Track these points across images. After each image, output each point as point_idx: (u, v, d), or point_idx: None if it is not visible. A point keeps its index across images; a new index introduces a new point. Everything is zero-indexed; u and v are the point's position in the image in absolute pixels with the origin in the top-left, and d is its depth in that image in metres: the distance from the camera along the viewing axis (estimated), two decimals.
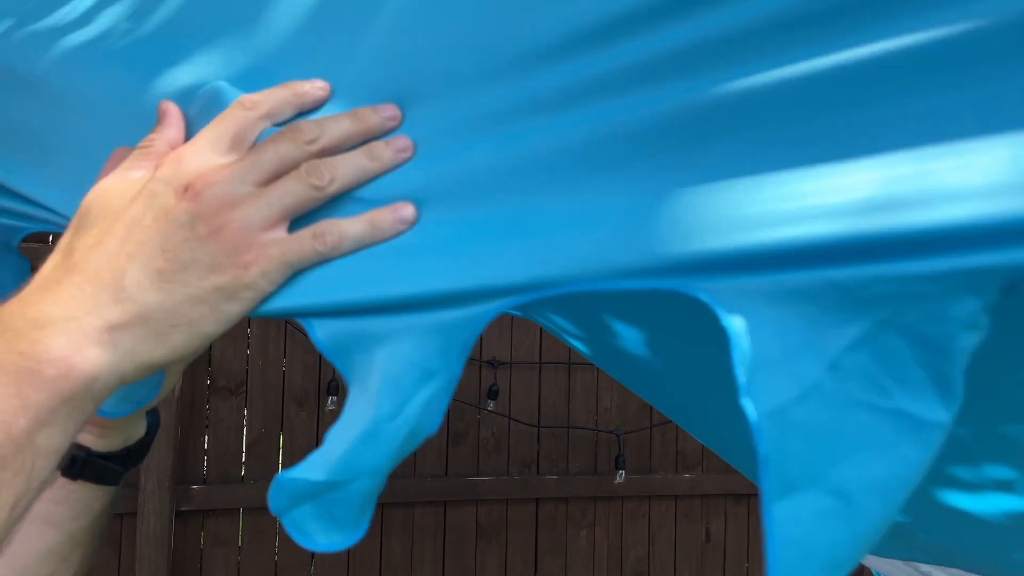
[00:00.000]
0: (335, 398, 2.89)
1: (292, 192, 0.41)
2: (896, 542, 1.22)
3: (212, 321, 0.41)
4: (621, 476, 3.21)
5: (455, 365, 0.40)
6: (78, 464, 0.59)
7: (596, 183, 0.34)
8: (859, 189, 0.28)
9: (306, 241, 0.42)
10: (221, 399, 2.84)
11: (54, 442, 0.38)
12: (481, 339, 3.11)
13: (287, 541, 2.92)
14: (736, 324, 0.28)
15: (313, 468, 0.41)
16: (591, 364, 3.20)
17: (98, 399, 0.39)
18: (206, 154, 0.42)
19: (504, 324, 3.15)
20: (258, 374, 2.89)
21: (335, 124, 0.43)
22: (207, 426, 2.83)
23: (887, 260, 0.26)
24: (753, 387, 0.29)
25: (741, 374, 0.28)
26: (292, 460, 2.90)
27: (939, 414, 0.28)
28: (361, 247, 0.42)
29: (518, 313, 1.41)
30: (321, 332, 0.44)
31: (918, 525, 0.97)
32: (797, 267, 0.28)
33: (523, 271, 0.35)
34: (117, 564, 2.69)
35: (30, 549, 0.57)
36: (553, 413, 3.21)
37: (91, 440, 0.60)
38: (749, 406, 0.29)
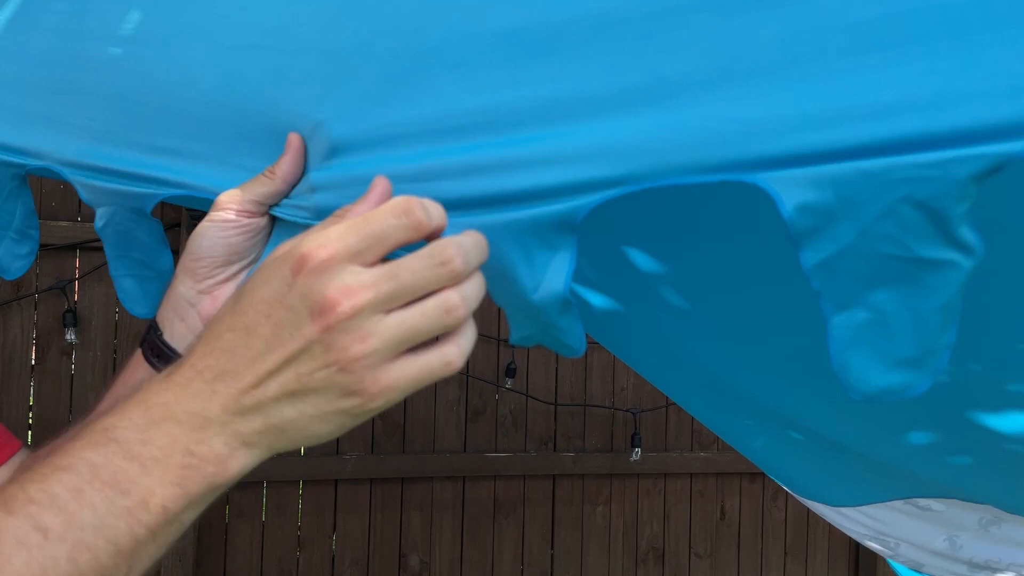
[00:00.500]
0: None
1: (424, 329, 0.43)
2: (900, 481, 1.27)
3: (335, 431, 0.46)
4: (637, 454, 3.25)
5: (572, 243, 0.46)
6: None
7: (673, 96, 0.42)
8: (884, 93, 0.37)
9: (433, 363, 0.44)
10: None
11: (194, 516, 0.45)
12: (499, 317, 3.15)
13: (309, 513, 3.00)
14: (787, 202, 0.38)
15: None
16: None
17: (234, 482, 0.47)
18: (343, 270, 0.42)
19: None
20: None
21: (476, 250, 0.45)
22: None
23: (904, 154, 0.36)
24: (804, 246, 0.39)
25: (795, 237, 0.39)
26: None
27: (950, 255, 0.37)
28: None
29: None
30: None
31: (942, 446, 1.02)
32: (835, 161, 0.38)
33: (618, 167, 0.42)
34: None
35: None
36: (570, 391, 3.26)
37: None
38: (806, 258, 0.39)
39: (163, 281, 0.71)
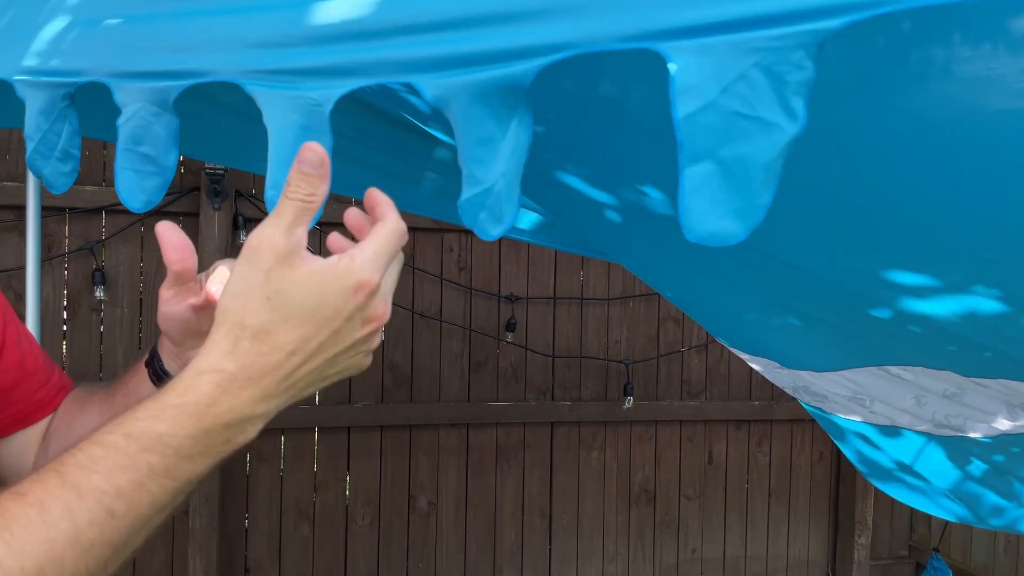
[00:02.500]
0: None
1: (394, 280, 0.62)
2: (873, 349, 1.46)
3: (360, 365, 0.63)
4: (629, 402, 3.46)
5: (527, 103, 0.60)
6: None
7: None
8: None
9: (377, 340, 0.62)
10: None
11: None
12: (499, 275, 3.34)
13: (324, 459, 3.21)
14: (673, 65, 0.53)
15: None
16: (603, 298, 3.44)
17: None
18: (382, 290, 0.59)
19: (521, 261, 3.37)
20: None
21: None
22: None
23: (755, 29, 0.50)
24: (677, 101, 0.52)
25: (673, 94, 0.52)
26: (328, 387, 3.16)
27: (778, 118, 0.50)
28: None
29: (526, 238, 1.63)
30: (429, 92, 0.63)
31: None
32: (711, 34, 0.52)
33: (557, 35, 0.57)
34: None
35: None
36: (567, 344, 3.45)
37: None
38: (676, 110, 0.52)
39: (163, 178, 0.85)
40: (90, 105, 1.02)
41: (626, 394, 3.46)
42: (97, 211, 2.91)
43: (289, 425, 3.13)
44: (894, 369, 1.49)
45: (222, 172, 2.86)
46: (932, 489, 1.90)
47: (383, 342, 3.22)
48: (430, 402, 3.28)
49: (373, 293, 0.57)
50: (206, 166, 2.86)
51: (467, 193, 0.61)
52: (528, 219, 1.66)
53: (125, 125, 0.81)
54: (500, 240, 3.29)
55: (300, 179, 0.55)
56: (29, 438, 0.84)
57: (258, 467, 3.14)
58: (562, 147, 1.12)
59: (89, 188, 2.86)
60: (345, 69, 0.67)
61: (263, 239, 0.55)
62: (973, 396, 1.44)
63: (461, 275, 3.31)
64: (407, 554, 3.29)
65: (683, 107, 0.53)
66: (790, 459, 3.80)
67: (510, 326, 3.34)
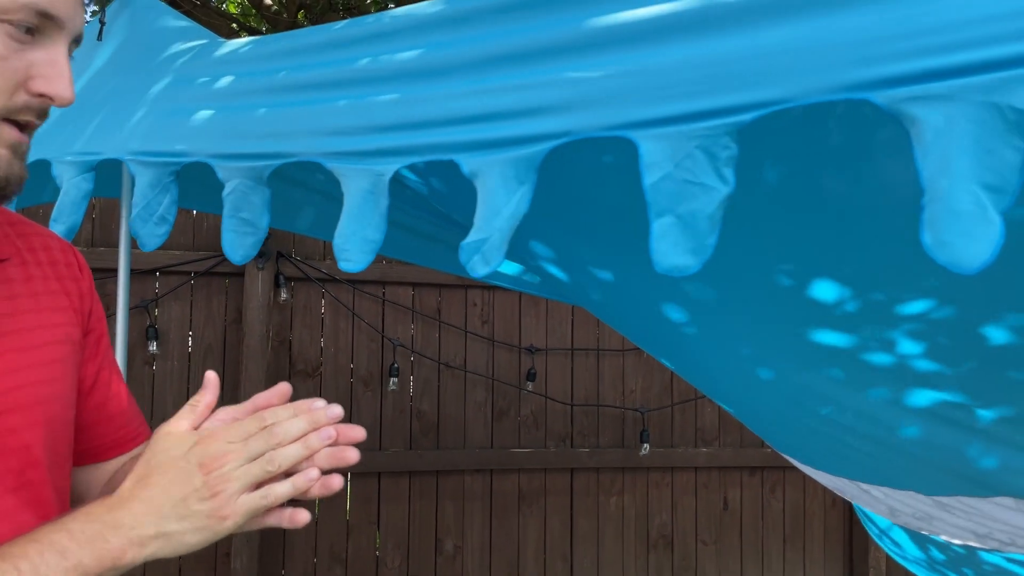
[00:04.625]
0: (396, 379, 3.36)
1: (257, 473, 0.74)
2: (844, 461, 1.65)
3: (203, 541, 0.74)
4: (646, 449, 3.63)
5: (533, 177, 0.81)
6: None
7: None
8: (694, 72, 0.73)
9: (255, 499, 0.75)
10: (300, 380, 3.33)
11: None
12: (520, 328, 3.56)
13: (356, 501, 3.40)
14: (644, 149, 0.74)
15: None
16: (619, 349, 3.64)
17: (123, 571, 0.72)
18: (221, 443, 0.74)
19: (540, 315, 3.59)
20: (331, 359, 3.37)
21: (292, 426, 0.77)
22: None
23: (696, 122, 0.70)
24: (645, 173, 0.72)
25: (642, 168, 0.73)
26: None
27: (714, 182, 0.69)
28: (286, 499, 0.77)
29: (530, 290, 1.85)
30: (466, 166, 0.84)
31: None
32: (668, 125, 0.73)
33: (560, 126, 0.80)
34: None
35: None
36: (585, 393, 3.64)
37: None
38: (644, 179, 0.71)
39: (257, 237, 1.08)
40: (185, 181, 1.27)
41: (642, 441, 3.63)
42: (151, 272, 3.18)
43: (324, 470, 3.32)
44: (864, 486, 1.68)
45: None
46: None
47: (411, 392, 3.43)
48: (455, 449, 3.47)
49: (209, 444, 0.76)
50: None
51: (470, 238, 0.83)
52: (532, 276, 1.89)
53: (229, 196, 1.05)
54: (520, 295, 3.52)
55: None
56: (97, 473, 0.95)
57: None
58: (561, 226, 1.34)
59: (144, 252, 3.13)
60: (401, 150, 0.90)
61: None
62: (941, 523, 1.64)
63: (484, 328, 3.53)
64: None
65: (649, 177, 0.74)
66: (804, 505, 3.93)
67: (531, 376, 3.54)
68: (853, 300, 1.08)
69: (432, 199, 1.52)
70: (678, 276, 0.70)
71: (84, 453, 0.92)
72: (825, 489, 3.92)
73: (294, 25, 4.00)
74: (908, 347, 1.12)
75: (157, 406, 3.15)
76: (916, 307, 1.06)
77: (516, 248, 1.56)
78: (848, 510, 3.94)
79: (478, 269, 0.82)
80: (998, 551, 1.71)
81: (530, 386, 3.56)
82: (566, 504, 3.63)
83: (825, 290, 1.06)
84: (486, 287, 3.50)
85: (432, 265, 2.22)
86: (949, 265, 0.56)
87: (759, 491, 3.87)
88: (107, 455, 0.95)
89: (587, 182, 1.24)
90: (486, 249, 0.80)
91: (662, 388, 3.74)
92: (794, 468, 3.90)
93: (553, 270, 1.51)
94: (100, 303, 0.92)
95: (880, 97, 0.60)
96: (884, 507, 1.79)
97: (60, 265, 0.87)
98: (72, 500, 0.88)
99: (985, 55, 0.56)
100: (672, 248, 0.70)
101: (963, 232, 0.56)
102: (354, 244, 0.90)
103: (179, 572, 3.16)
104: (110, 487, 0.90)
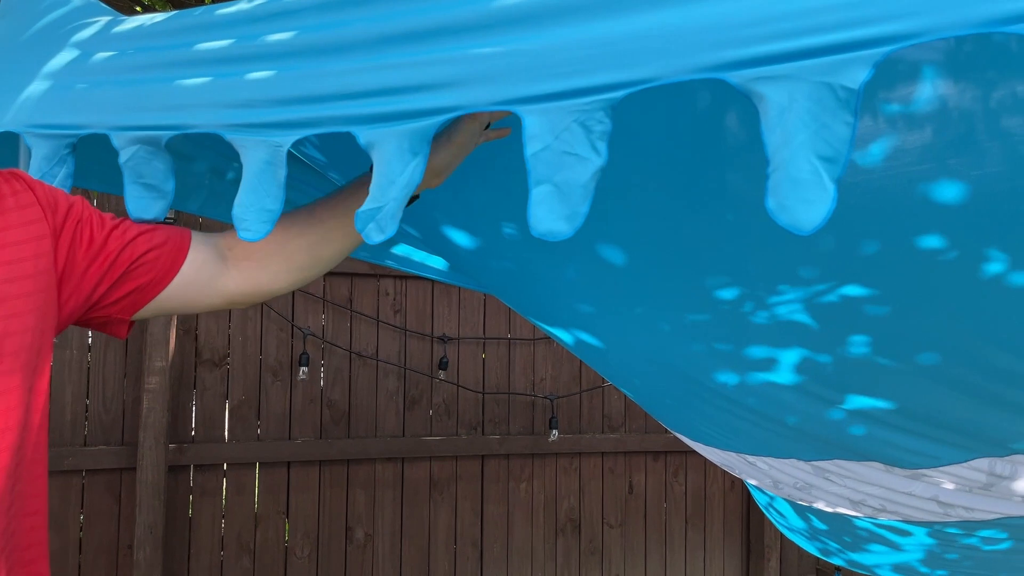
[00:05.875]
0: (306, 369, 3.34)
1: None
2: (730, 435, 1.75)
3: None
4: (555, 435, 3.71)
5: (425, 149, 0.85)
6: None
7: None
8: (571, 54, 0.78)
9: None
10: (207, 370, 3.28)
11: None
12: (432, 317, 3.59)
13: (265, 492, 3.37)
14: (527, 122, 0.79)
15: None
16: (529, 339, 3.71)
17: None
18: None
19: (452, 304, 3.63)
20: (239, 348, 3.33)
21: None
22: (195, 393, 3.27)
23: (573, 98, 0.76)
24: (526, 144, 0.77)
25: (524, 139, 0.78)
26: (268, 423, 3.35)
27: (589, 154, 0.74)
28: None
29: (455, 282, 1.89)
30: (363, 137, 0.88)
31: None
32: (548, 101, 0.78)
33: (452, 100, 0.84)
34: (118, 512, 3.11)
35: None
36: (496, 382, 3.70)
37: None
38: (526, 150, 0.77)
39: (165, 202, 1.08)
40: (86, 160, 1.26)
41: (551, 428, 3.72)
42: None
43: (231, 460, 3.29)
44: (751, 458, 1.79)
45: (172, 219, 3.06)
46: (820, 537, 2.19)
47: (322, 380, 3.43)
48: (367, 437, 3.48)
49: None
50: None
51: (365, 207, 0.86)
52: (439, 262, 1.93)
53: (128, 163, 1.05)
54: (433, 285, 3.55)
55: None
56: (184, 279, 1.02)
57: (200, 501, 3.27)
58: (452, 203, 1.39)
59: None
60: (299, 122, 0.93)
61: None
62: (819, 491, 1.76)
63: (396, 317, 3.55)
64: None
65: (531, 148, 0.79)
66: (705, 488, 4.09)
67: (443, 365, 3.58)
68: (731, 278, 1.16)
69: (333, 177, 1.54)
70: (552, 240, 0.76)
71: (157, 282, 1.00)
72: (724, 472, 4.10)
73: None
74: (780, 329, 1.21)
75: (55, 396, 3.05)
76: (790, 292, 1.15)
77: (425, 227, 1.59)
78: (746, 492, 4.12)
79: (373, 236, 0.85)
80: (871, 518, 1.85)
81: (442, 375, 3.59)
82: (476, 491, 3.68)
83: (702, 267, 1.13)
84: (399, 276, 3.51)
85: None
86: (788, 227, 0.63)
87: (663, 475, 4.01)
88: (171, 275, 1.02)
89: (483, 159, 1.28)
90: (381, 217, 0.84)
91: (571, 376, 3.83)
92: (695, 453, 4.07)
93: (459, 240, 1.55)
94: (65, 194, 0.98)
95: (734, 77, 0.67)
96: (768, 479, 1.90)
97: (6, 198, 0.89)
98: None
99: (822, 41, 0.64)
100: (548, 214, 0.76)
101: (801, 198, 0.63)
102: (252, 214, 0.92)
103: (79, 568, 3.07)
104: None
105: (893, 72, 0.89)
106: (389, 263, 1.97)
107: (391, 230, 0.85)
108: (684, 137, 0.99)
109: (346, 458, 3.45)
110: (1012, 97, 0.82)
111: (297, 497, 3.40)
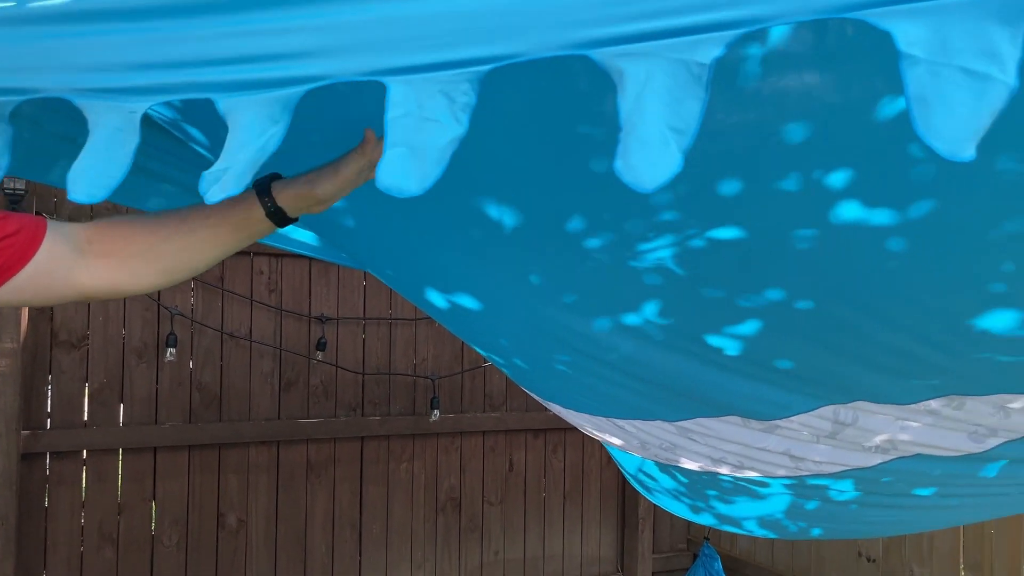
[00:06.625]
0: (173, 350, 3.20)
1: None
2: (599, 400, 1.79)
3: None
4: (436, 415, 3.71)
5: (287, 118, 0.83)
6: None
7: None
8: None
9: None
10: (64, 352, 3.09)
11: None
12: (309, 297, 3.51)
13: (129, 479, 3.21)
14: (391, 89, 0.77)
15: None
16: (411, 318, 3.68)
17: None
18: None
19: (331, 283, 3.56)
20: (99, 329, 3.15)
21: None
22: (51, 376, 3.07)
23: (439, 71, 0.75)
24: (388, 109, 0.76)
25: (387, 105, 0.77)
26: (133, 407, 3.19)
27: (451, 124, 0.75)
28: None
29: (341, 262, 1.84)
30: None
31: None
32: (415, 73, 0.76)
33: (317, 70, 0.81)
34: None
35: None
36: (376, 362, 3.66)
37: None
38: (387, 114, 0.75)
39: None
40: None
41: (432, 408, 3.71)
42: None
43: (92, 447, 3.12)
44: (620, 422, 1.84)
45: (23, 191, 2.86)
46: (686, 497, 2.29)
47: (191, 363, 3.29)
48: (240, 421, 3.37)
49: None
50: (4, 186, 2.85)
51: (213, 168, 0.83)
52: (311, 237, 1.88)
53: None
54: (310, 262, 3.47)
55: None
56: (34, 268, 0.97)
57: (57, 490, 3.09)
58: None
59: None
60: (155, 88, 0.88)
61: None
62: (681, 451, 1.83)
63: (272, 297, 3.44)
64: (216, 571, 3.33)
65: (391, 112, 0.78)
66: (582, 464, 4.19)
67: (320, 345, 3.50)
68: (588, 235, 1.18)
69: (196, 146, 1.47)
70: (398, 196, 0.75)
71: (4, 270, 0.95)
72: (601, 448, 4.21)
73: None
74: (638, 281, 1.24)
75: None
76: (650, 242, 1.17)
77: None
78: None
79: (215, 196, 0.82)
80: (731, 475, 1.94)
81: (320, 355, 3.52)
82: (356, 473, 3.64)
83: (562, 218, 1.15)
84: (274, 254, 3.41)
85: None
86: (631, 184, 0.65)
87: (542, 452, 4.08)
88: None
89: (348, 128, 1.25)
90: (227, 178, 0.81)
91: (453, 356, 3.83)
92: (574, 430, 4.16)
93: (329, 211, 1.51)
94: None
95: (597, 54, 0.68)
96: (636, 441, 1.97)
97: None
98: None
99: (681, 22, 0.66)
100: (398, 171, 0.75)
101: (647, 159, 0.65)
102: (88, 177, 0.86)
103: None
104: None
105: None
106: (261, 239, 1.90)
107: (235, 191, 0.82)
108: (544, 102, 1.00)
109: (218, 442, 3.33)
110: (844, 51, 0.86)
111: (165, 484, 3.26)
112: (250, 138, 0.79)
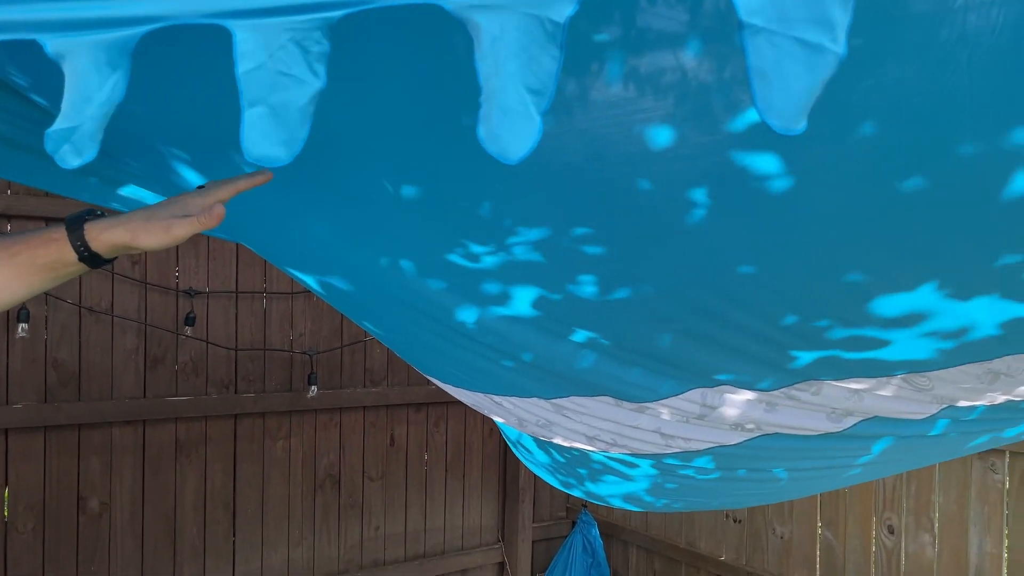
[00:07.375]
0: (26, 325, 2.98)
1: None
2: (477, 376, 1.77)
3: None
4: (314, 391, 3.62)
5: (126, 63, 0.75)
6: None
7: None
8: None
9: None
10: None
11: None
12: (177, 270, 3.33)
13: None
14: (236, 36, 0.71)
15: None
16: (287, 292, 3.56)
17: None
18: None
19: (200, 256, 3.39)
20: None
21: None
22: None
23: (289, 15, 0.70)
24: (238, 62, 0.69)
25: (236, 57, 0.71)
26: None
27: (308, 78, 0.70)
28: None
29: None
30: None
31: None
32: (263, 17, 0.71)
33: (155, 10, 0.73)
34: None
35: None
36: (250, 338, 3.52)
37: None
38: (237, 68, 0.69)
39: None
40: None
41: (310, 384, 3.62)
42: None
43: None
44: (497, 398, 1.84)
45: None
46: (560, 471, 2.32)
47: (46, 340, 3.07)
48: (101, 400, 3.18)
49: None
50: None
51: (57, 126, 0.75)
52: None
53: None
54: None
55: None
56: None
57: None
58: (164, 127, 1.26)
59: None
60: None
61: None
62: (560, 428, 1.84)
63: (135, 269, 3.25)
64: (77, 557, 3.16)
65: (243, 66, 0.71)
66: (464, 437, 4.20)
67: (189, 320, 3.34)
68: (457, 213, 1.15)
69: (37, 99, 1.34)
70: (269, 166, 0.70)
71: None
72: (483, 420, 4.23)
73: None
74: (511, 265, 1.22)
75: None
76: (526, 233, 1.15)
77: (150, 161, 1.45)
78: (503, 438, 4.29)
79: (69, 160, 0.74)
80: (603, 452, 1.98)
81: (189, 331, 3.36)
82: (229, 452, 3.51)
83: (436, 205, 1.12)
84: None
85: (32, 183, 1.93)
86: (497, 156, 0.63)
87: (424, 426, 4.06)
88: None
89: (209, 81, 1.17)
90: (77, 139, 0.73)
91: (332, 330, 3.74)
92: (457, 403, 4.16)
93: (191, 177, 1.41)
94: None
95: (450, 4, 0.64)
96: (514, 418, 1.97)
97: None
98: None
99: None
100: (263, 138, 0.70)
101: (510, 128, 0.63)
102: None
103: None
104: None
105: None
106: (116, 206, 1.77)
107: (90, 152, 0.74)
108: (406, 67, 0.96)
109: (77, 423, 3.13)
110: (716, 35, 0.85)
111: (18, 467, 3.05)
112: (91, 87, 0.72)
